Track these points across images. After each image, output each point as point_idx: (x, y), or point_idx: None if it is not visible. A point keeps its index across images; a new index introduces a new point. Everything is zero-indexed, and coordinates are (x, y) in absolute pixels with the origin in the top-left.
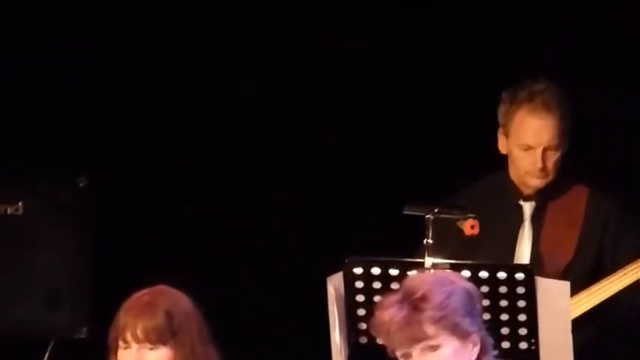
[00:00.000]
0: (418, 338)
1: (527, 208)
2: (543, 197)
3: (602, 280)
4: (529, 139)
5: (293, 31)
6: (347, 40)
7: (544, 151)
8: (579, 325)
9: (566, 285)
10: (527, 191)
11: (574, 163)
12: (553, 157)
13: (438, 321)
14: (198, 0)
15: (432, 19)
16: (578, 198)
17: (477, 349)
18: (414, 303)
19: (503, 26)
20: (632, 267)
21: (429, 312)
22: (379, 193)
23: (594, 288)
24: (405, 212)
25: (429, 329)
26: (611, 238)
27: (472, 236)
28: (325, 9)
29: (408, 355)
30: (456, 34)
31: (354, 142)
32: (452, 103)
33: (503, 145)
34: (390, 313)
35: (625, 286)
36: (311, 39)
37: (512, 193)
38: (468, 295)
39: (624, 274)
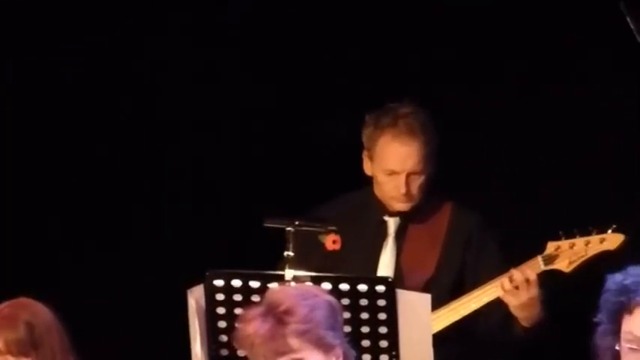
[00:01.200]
0: (282, 351)
1: (392, 223)
2: (408, 214)
3: (463, 297)
4: (393, 165)
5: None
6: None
7: (408, 175)
8: (441, 340)
9: (427, 297)
10: (393, 212)
11: (438, 179)
12: (417, 181)
13: (302, 334)
14: None
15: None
16: (441, 214)
17: None
18: (278, 316)
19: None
20: (492, 285)
21: (293, 325)
22: (241, 206)
23: (455, 304)
24: (266, 225)
25: (293, 342)
26: (473, 254)
27: (334, 251)
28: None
29: None
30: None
31: (217, 154)
32: (314, 118)
33: (368, 168)
34: (254, 326)
35: (484, 303)
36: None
37: (377, 209)
38: (331, 308)
39: (484, 292)
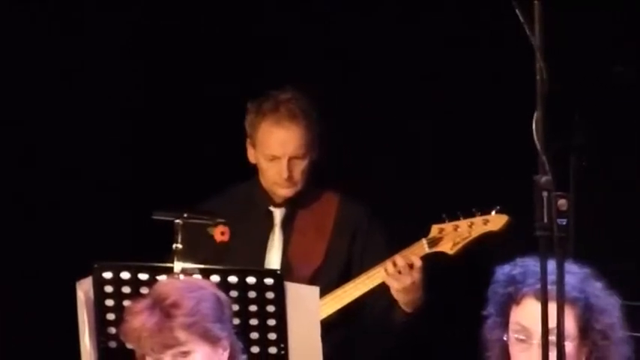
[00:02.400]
0: (169, 344)
1: (278, 214)
2: (294, 204)
3: (347, 284)
4: (274, 150)
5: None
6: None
7: (290, 160)
8: (326, 328)
9: (315, 290)
10: (277, 199)
11: (326, 169)
12: (300, 166)
13: (188, 327)
14: None
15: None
16: (328, 205)
17: (226, 354)
18: (166, 309)
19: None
20: (376, 270)
21: (179, 318)
22: (130, 198)
23: (339, 291)
24: (155, 217)
25: (181, 335)
26: (360, 245)
27: (222, 242)
28: None
29: None
30: (201, 44)
31: (105, 146)
32: (204, 111)
33: (251, 155)
34: (141, 319)
35: (369, 289)
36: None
37: (263, 200)
38: (218, 300)
39: (368, 277)
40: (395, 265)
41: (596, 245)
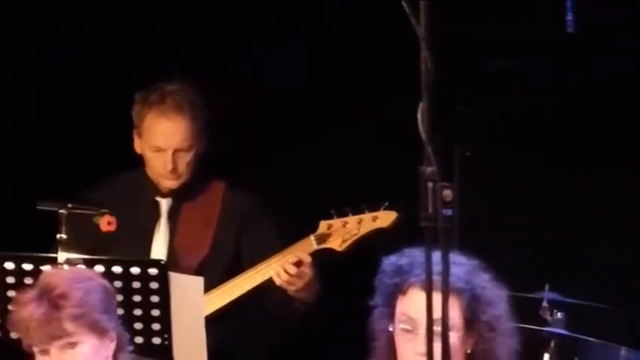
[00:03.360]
0: (57, 335)
1: (164, 204)
2: (180, 194)
3: (237, 277)
4: (159, 141)
5: None
6: None
7: (175, 153)
8: (214, 321)
9: (199, 280)
10: (163, 190)
11: (213, 159)
12: (185, 158)
13: (77, 318)
14: None
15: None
16: (214, 194)
17: (113, 345)
18: (53, 300)
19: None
20: (266, 264)
21: (68, 310)
22: (16, 188)
23: (229, 285)
24: (39, 207)
25: (69, 326)
26: (248, 235)
27: (109, 232)
28: None
29: (46, 352)
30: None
31: None
32: (91, 102)
33: (137, 145)
34: (28, 309)
35: (258, 283)
36: None
37: (149, 190)
38: (105, 291)
39: (258, 272)
40: (285, 271)
41: (482, 236)
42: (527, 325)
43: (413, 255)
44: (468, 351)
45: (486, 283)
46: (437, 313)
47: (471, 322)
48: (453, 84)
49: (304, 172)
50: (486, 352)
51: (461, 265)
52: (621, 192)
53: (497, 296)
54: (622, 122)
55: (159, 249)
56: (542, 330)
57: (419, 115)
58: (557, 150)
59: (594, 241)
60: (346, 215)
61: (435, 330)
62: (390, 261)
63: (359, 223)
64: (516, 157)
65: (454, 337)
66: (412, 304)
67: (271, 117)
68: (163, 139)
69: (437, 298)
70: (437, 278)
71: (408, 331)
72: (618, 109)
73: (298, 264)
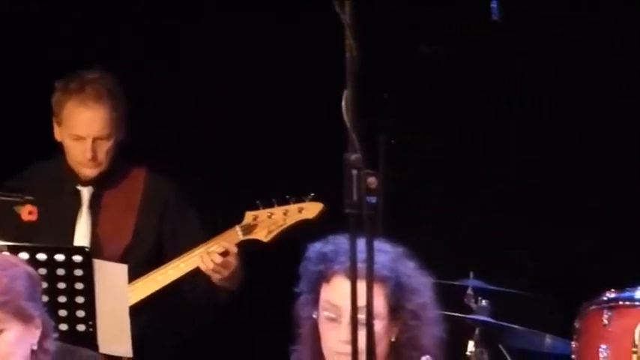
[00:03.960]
0: None
1: (85, 193)
2: (101, 182)
3: (162, 267)
4: (79, 130)
5: None
6: None
7: (95, 141)
8: (139, 310)
9: (123, 268)
10: (83, 178)
11: (136, 148)
12: (105, 146)
13: (2, 305)
14: None
15: None
16: (135, 181)
17: (39, 332)
18: None
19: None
20: (192, 254)
21: None
22: None
23: (154, 274)
24: None
25: None
26: (170, 223)
27: (30, 222)
28: None
29: None
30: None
31: None
32: (8, 90)
33: (57, 133)
34: None
35: (184, 272)
36: None
37: (70, 179)
38: (30, 278)
39: (183, 261)
40: (212, 259)
41: (407, 224)
42: (452, 313)
43: (337, 242)
44: (393, 339)
45: (411, 271)
46: (361, 301)
47: (395, 310)
48: (378, 72)
49: (231, 162)
50: (411, 340)
51: (386, 252)
52: (544, 180)
53: (422, 284)
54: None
55: (81, 238)
56: (466, 317)
57: (343, 103)
58: (482, 138)
59: (518, 229)
60: (272, 206)
61: (359, 318)
62: (314, 248)
63: (285, 214)
64: (440, 145)
65: (379, 326)
66: (336, 292)
67: (197, 107)
68: (83, 128)
69: (361, 286)
70: (361, 266)
71: (331, 319)
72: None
73: (224, 253)
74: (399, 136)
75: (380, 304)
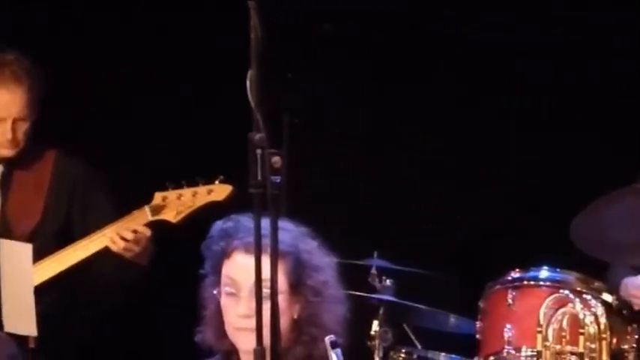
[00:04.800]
0: None
1: None
2: (12, 162)
3: (69, 247)
4: None
5: None
6: None
7: (15, 122)
8: (45, 289)
9: (28, 247)
10: (0, 158)
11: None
12: (23, 127)
13: None
14: None
15: None
16: (45, 162)
17: None
18: None
19: None
20: (100, 234)
21: None
22: None
23: (61, 254)
24: None
25: None
26: (79, 204)
27: None
28: None
29: None
30: None
31: None
32: None
33: None
34: None
35: (91, 252)
36: None
37: None
38: None
39: (91, 241)
40: (122, 238)
41: (311, 203)
42: (356, 293)
43: (238, 219)
44: (295, 316)
45: (313, 249)
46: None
47: (296, 286)
48: (282, 51)
49: (141, 144)
50: (313, 317)
51: (288, 230)
52: (447, 160)
53: (324, 262)
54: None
55: None
56: (371, 297)
57: (248, 83)
58: (384, 119)
59: (422, 208)
60: (181, 187)
61: (260, 293)
62: (216, 226)
63: (193, 195)
64: (344, 125)
65: (279, 301)
66: (235, 267)
67: (104, 90)
68: (3, 109)
69: (263, 262)
70: (264, 243)
71: (231, 294)
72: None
73: (134, 232)
74: (303, 115)
75: (280, 279)
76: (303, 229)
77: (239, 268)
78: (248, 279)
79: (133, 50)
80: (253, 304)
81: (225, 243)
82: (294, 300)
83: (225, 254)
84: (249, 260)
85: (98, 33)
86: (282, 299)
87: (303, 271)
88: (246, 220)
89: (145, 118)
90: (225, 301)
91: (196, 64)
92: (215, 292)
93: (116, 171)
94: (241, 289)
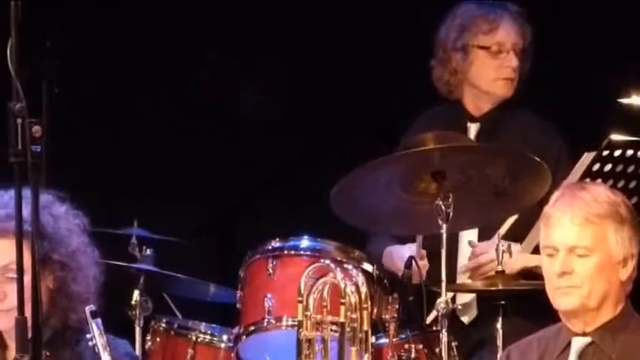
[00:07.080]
0: None
1: None
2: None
3: None
4: None
5: None
6: None
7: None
8: None
9: None
10: None
11: None
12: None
13: None
14: None
15: None
16: None
17: None
18: None
19: None
20: None
21: None
22: None
23: None
24: None
25: None
26: None
27: None
28: None
29: None
30: None
31: None
32: None
33: None
34: None
35: None
36: None
37: None
38: None
39: None
40: None
41: (73, 172)
42: (116, 262)
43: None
44: (51, 286)
45: (61, 215)
46: (7, 258)
47: (43, 262)
48: (40, 20)
49: None
50: (63, 289)
51: (29, 203)
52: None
53: (72, 228)
54: None
55: None
56: (131, 266)
57: (8, 52)
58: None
59: (183, 177)
60: None
61: (8, 276)
62: None
63: None
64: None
65: (27, 280)
66: None
67: None
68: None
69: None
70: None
71: None
72: None
73: None
74: (60, 83)
75: (25, 258)
76: (49, 198)
77: None
78: None
79: None
80: (6, 287)
81: None
82: (45, 275)
83: None
84: None
85: None
86: (29, 278)
87: (48, 247)
88: None
89: None
90: None
91: None
92: None
93: None
94: None
